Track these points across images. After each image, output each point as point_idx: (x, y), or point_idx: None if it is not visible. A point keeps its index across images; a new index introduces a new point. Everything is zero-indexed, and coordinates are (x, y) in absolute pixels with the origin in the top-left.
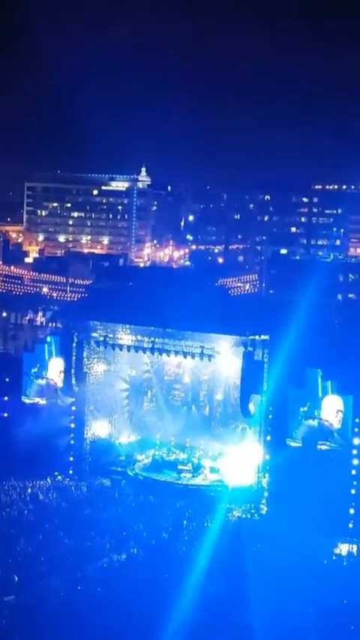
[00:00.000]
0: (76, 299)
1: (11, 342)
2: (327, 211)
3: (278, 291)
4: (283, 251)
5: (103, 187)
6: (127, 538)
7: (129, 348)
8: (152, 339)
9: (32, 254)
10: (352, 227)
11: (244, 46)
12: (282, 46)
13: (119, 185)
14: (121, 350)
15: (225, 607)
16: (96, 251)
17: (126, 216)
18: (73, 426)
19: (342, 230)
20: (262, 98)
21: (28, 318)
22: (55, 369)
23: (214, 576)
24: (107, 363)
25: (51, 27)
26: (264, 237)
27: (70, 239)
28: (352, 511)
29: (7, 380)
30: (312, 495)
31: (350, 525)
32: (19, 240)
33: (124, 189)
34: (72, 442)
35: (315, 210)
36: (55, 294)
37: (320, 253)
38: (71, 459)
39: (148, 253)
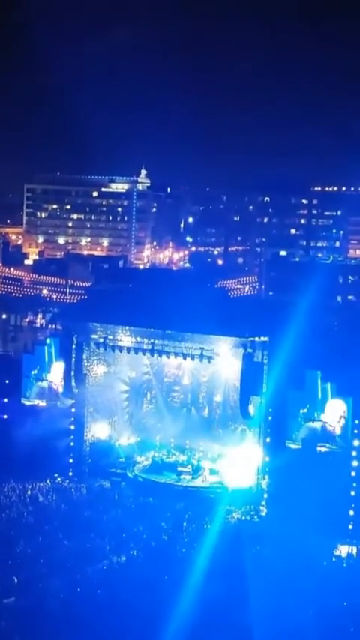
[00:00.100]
0: (75, 301)
1: (11, 343)
2: (327, 213)
3: (278, 293)
4: (283, 253)
5: (103, 189)
6: (126, 540)
7: (129, 349)
8: (152, 340)
9: (32, 256)
10: (352, 229)
11: (244, 47)
12: (282, 46)
13: (119, 187)
14: (120, 352)
15: (225, 609)
16: (96, 253)
17: (125, 218)
18: (72, 427)
19: (342, 232)
20: (262, 99)
21: (27, 319)
22: (58, 372)
23: (214, 578)
24: (107, 365)
25: (51, 27)
26: (263, 239)
27: (70, 241)
28: (351, 512)
29: (7, 382)
30: (312, 497)
31: (350, 527)
32: (19, 242)
33: (123, 190)
34: (72, 444)
35: (315, 211)
36: (54, 296)
37: (320, 255)
38: (71, 460)
39: (147, 255)
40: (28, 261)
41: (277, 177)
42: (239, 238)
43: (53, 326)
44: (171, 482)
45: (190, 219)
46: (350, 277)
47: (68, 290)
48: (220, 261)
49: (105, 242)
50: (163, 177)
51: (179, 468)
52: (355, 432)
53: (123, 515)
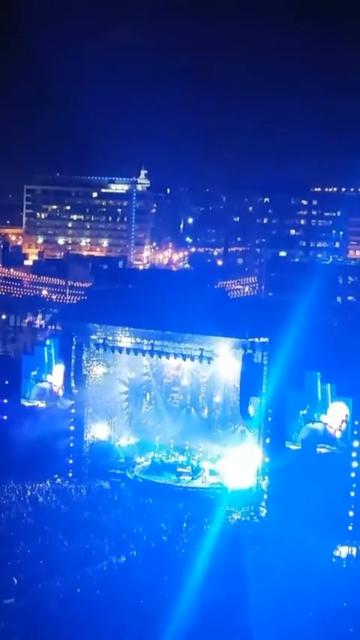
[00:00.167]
0: (75, 301)
1: (11, 344)
2: (326, 214)
3: (277, 294)
4: (283, 253)
5: (103, 190)
6: (126, 541)
7: (128, 350)
8: (151, 341)
9: (31, 257)
10: (352, 229)
11: (243, 47)
12: (282, 46)
13: (118, 188)
14: (120, 352)
15: (224, 610)
16: (95, 253)
17: (125, 219)
18: (72, 428)
19: (341, 232)
20: (262, 99)
21: (27, 320)
22: (60, 374)
23: (214, 579)
24: (107, 366)
25: (51, 27)
26: (263, 240)
27: (70, 242)
28: (351, 513)
29: (7, 382)
30: (311, 498)
31: (350, 528)
32: (19, 242)
33: (123, 191)
34: (71, 445)
35: (314, 212)
36: (54, 297)
37: (319, 256)
38: (71, 461)
39: (147, 256)
40: (28, 262)
41: (276, 178)
42: (239, 239)
43: (53, 327)
44: (171, 483)
45: (190, 220)
46: (350, 278)
47: (68, 291)
48: (219, 262)
49: (105, 243)
50: (162, 178)
51: (179, 469)
52: (355, 432)
53: (123, 515)
